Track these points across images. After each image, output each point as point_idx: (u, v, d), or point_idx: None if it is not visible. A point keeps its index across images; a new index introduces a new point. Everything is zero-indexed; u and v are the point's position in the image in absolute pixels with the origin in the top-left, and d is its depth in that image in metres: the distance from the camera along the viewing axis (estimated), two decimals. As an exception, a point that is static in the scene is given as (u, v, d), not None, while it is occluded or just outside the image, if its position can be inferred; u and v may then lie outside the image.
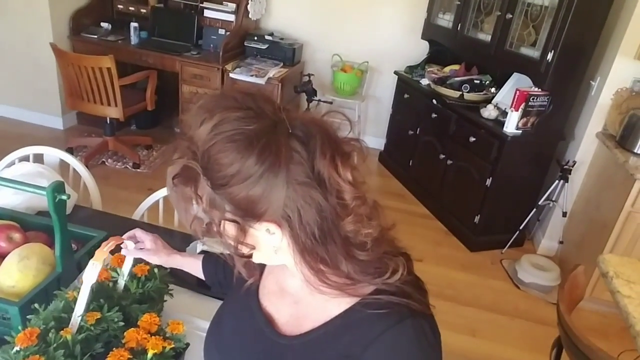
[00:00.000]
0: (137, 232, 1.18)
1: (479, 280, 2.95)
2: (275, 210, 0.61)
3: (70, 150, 3.78)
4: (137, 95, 3.75)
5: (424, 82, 3.64)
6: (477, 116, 3.10)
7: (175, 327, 1.12)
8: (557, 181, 3.01)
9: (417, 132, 3.71)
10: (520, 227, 3.15)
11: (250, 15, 4.07)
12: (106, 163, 3.78)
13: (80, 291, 1.06)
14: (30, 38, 3.87)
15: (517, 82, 3.11)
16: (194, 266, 1.19)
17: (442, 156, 3.41)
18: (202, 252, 1.41)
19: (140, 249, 1.18)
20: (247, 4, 4.00)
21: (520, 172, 3.04)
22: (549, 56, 2.72)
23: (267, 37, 4.12)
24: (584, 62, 2.83)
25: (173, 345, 1.08)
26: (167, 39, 4.13)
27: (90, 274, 1.04)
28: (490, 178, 3.01)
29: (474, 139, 3.10)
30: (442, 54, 3.83)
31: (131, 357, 1.03)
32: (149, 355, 1.03)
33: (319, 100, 3.99)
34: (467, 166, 3.20)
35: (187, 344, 1.14)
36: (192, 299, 1.40)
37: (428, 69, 3.69)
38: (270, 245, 0.65)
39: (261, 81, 3.73)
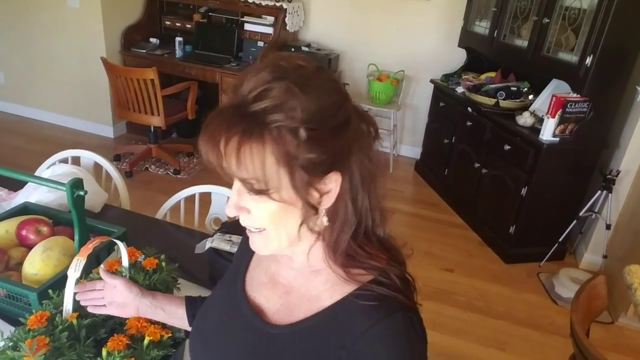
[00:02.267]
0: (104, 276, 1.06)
1: (513, 293, 2.84)
2: (344, 162, 0.63)
3: (117, 157, 4.01)
4: (178, 105, 3.93)
5: (459, 90, 3.59)
6: (513, 124, 3.01)
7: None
8: (600, 191, 2.86)
9: (453, 141, 3.65)
10: (560, 240, 3.00)
11: (288, 28, 4.18)
12: (149, 169, 3.96)
13: (66, 286, 1.12)
14: (84, 53, 4.15)
15: (556, 88, 2.99)
16: (173, 307, 1.05)
17: (476, 165, 3.33)
18: (211, 249, 1.46)
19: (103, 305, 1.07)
20: (285, 16, 4.10)
21: (559, 182, 2.92)
22: (588, 60, 2.61)
23: (304, 48, 4.20)
24: (627, 66, 2.70)
25: (171, 334, 1.12)
26: (210, 52, 4.31)
27: (75, 269, 1.09)
28: (526, 187, 2.90)
29: (508, 147, 3.01)
30: (479, 61, 3.76)
31: (130, 343, 1.08)
32: (146, 341, 1.08)
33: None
34: (501, 175, 3.11)
35: (187, 334, 1.18)
36: (202, 293, 1.44)
37: (464, 77, 3.63)
38: (317, 206, 0.64)
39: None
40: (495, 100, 3.20)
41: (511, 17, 3.26)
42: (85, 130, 4.48)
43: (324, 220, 0.66)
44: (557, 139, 2.78)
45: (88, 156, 2.07)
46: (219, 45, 4.33)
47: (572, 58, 2.76)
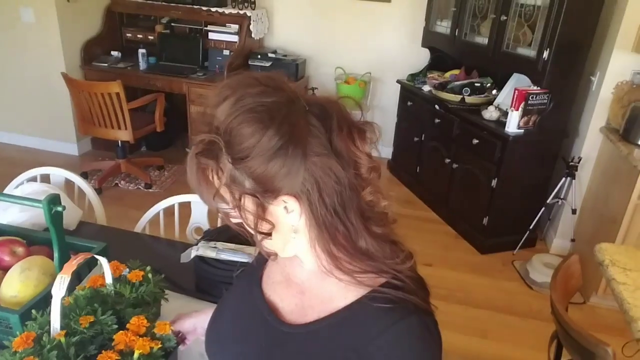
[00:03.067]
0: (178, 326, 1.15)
1: (490, 282, 2.92)
2: (294, 184, 0.62)
3: (84, 175, 3.91)
4: (146, 118, 3.87)
5: (426, 88, 3.67)
6: (479, 118, 3.10)
7: (162, 327, 1.16)
8: (564, 178, 2.98)
9: (422, 139, 3.72)
10: (531, 227, 3.11)
11: (253, 35, 4.18)
12: (119, 185, 3.88)
13: (51, 305, 1.09)
14: (44, 69, 4.04)
15: (517, 82, 3.11)
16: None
17: (447, 160, 3.41)
18: (196, 257, 1.45)
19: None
20: (249, 24, 4.11)
21: (526, 172, 3.02)
22: (545, 54, 2.72)
23: (270, 55, 4.21)
24: (581, 58, 2.83)
25: (160, 345, 1.11)
26: (175, 63, 4.26)
27: (59, 287, 1.07)
28: (496, 179, 2.99)
29: (477, 141, 3.10)
30: (443, 60, 3.86)
31: (119, 358, 1.06)
32: (135, 355, 1.06)
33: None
34: (472, 169, 3.20)
35: (178, 343, 1.17)
36: (190, 303, 1.43)
37: (429, 76, 3.72)
38: (289, 224, 0.65)
39: (265, 97, 3.81)
40: (461, 96, 3.29)
41: (470, 16, 3.37)
42: (48, 149, 4.35)
43: (306, 233, 0.66)
44: (522, 130, 2.89)
45: (58, 173, 2.01)
46: (183, 55, 4.29)
47: (530, 53, 2.87)
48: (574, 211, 3.00)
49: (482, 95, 3.31)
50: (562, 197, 3.05)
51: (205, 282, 1.47)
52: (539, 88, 2.83)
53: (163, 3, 4.22)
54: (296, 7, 4.32)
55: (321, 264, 0.69)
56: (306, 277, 0.75)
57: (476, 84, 3.35)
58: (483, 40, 3.23)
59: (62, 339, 1.06)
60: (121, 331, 1.10)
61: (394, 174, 4.24)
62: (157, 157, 4.25)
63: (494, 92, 3.32)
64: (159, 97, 3.85)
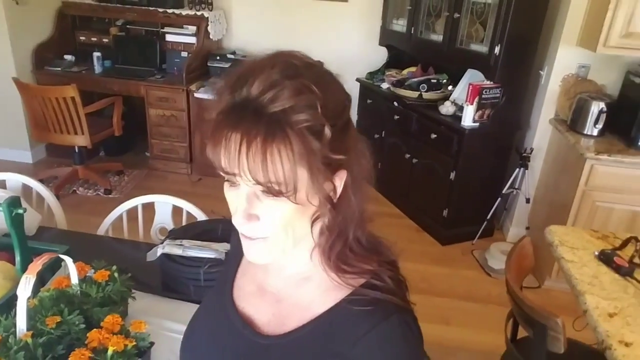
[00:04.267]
0: None
1: (452, 271, 3.02)
2: (351, 158, 0.62)
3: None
4: (103, 122, 3.78)
5: (384, 86, 3.75)
6: (436, 113, 3.21)
7: (138, 325, 1.16)
8: (517, 169, 3.12)
9: (383, 135, 3.81)
10: (488, 217, 3.24)
11: (211, 36, 4.16)
12: (77, 192, 3.78)
13: (17, 306, 1.07)
14: (-8, 75, 3.88)
15: (472, 77, 3.23)
16: None
17: (407, 156, 3.50)
18: (163, 255, 1.45)
19: None
20: (207, 25, 4.08)
21: (482, 163, 3.15)
22: (497, 50, 2.85)
23: (229, 56, 4.20)
24: (530, 53, 2.97)
25: (135, 343, 1.11)
26: (131, 66, 4.18)
27: (25, 288, 1.05)
28: (454, 172, 3.10)
29: (435, 136, 3.20)
30: (400, 57, 3.96)
31: (92, 355, 1.06)
32: (109, 352, 1.06)
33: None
34: (431, 163, 3.30)
35: (152, 343, 1.17)
36: (157, 302, 1.42)
37: (387, 73, 3.80)
38: (320, 206, 0.62)
39: (226, 98, 3.80)
40: (419, 93, 3.39)
41: (425, 14, 3.47)
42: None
43: (325, 220, 0.65)
44: (477, 124, 3.01)
45: (14, 178, 1.96)
46: (140, 58, 4.22)
47: (482, 49, 3.00)
48: (527, 200, 3.15)
49: (439, 91, 3.42)
50: (516, 187, 3.19)
51: (172, 279, 1.47)
52: (491, 83, 2.96)
53: (117, 5, 4.13)
54: (254, 8, 4.32)
55: (307, 265, 0.69)
56: (282, 285, 0.73)
57: (433, 80, 3.46)
58: (438, 37, 3.34)
59: (29, 340, 1.05)
60: (95, 329, 1.09)
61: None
62: (116, 162, 4.16)
63: (450, 87, 3.44)
64: (117, 100, 3.77)
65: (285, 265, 0.71)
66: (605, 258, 1.51)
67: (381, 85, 3.80)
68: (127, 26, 4.35)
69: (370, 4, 4.07)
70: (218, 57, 4.17)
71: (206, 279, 1.42)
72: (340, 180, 0.62)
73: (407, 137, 3.49)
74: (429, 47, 3.49)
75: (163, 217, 1.84)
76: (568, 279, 1.47)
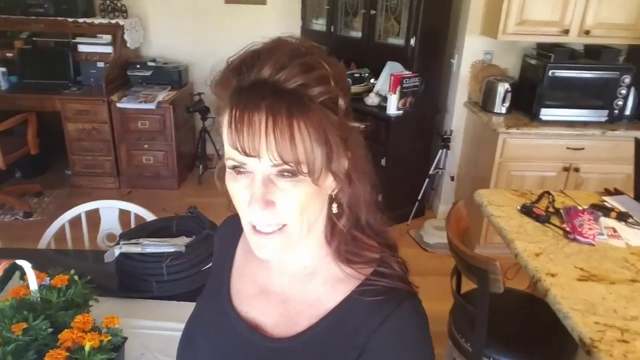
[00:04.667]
0: None
1: (392, 252, 3.19)
2: (354, 137, 0.62)
3: (-51, 211, 3.47)
4: (16, 141, 3.56)
5: (310, 83, 3.87)
6: (363, 105, 3.38)
7: (110, 321, 1.16)
8: (440, 150, 3.36)
9: (313, 131, 3.92)
10: (419, 198, 3.46)
11: (128, 45, 4.04)
12: (-6, 218, 3.52)
13: None
14: None
15: (392, 68, 3.43)
16: None
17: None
18: (121, 255, 1.44)
19: None
20: (123, 33, 3.97)
21: (409, 148, 3.36)
22: (412, 42, 3.07)
23: (149, 64, 4.11)
24: (441, 43, 3.24)
25: (110, 338, 1.11)
26: (41, 80, 3.95)
27: None
28: (384, 158, 3.28)
29: (363, 126, 3.36)
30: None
31: (69, 354, 1.04)
32: (87, 348, 1.05)
33: (213, 117, 4.07)
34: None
35: (125, 337, 1.17)
36: (117, 303, 1.41)
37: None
38: (330, 191, 0.63)
39: (151, 106, 3.72)
40: (343, 87, 3.54)
41: (343, 13, 3.64)
42: None
43: (333, 207, 0.65)
44: (401, 111, 3.21)
45: None
46: (50, 71, 4.00)
47: (399, 42, 3.21)
48: (452, 178, 3.41)
49: (363, 85, 3.59)
50: (441, 167, 3.44)
51: (132, 279, 1.46)
52: (410, 72, 3.17)
53: (21, 17, 3.89)
54: (170, 14, 4.27)
55: (313, 258, 0.68)
56: (287, 283, 0.70)
57: (356, 75, 3.63)
58: (357, 34, 3.51)
59: (-3, 348, 1.02)
60: (66, 330, 1.08)
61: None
62: (34, 183, 3.91)
63: (372, 80, 3.63)
64: (29, 117, 3.56)
65: (290, 261, 0.69)
66: (526, 210, 1.73)
67: (306, 83, 3.91)
68: (34, 38, 4.10)
69: (289, 5, 4.17)
70: (138, 66, 4.07)
71: (169, 273, 1.43)
72: (348, 160, 0.62)
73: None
74: (349, 43, 3.65)
75: (110, 223, 1.80)
76: (499, 231, 1.66)
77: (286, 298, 0.70)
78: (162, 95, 3.87)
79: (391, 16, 3.26)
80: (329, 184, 0.62)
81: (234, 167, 0.59)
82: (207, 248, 1.51)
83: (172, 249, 1.46)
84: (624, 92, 2.76)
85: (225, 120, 0.57)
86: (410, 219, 3.51)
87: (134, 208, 1.81)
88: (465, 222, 1.75)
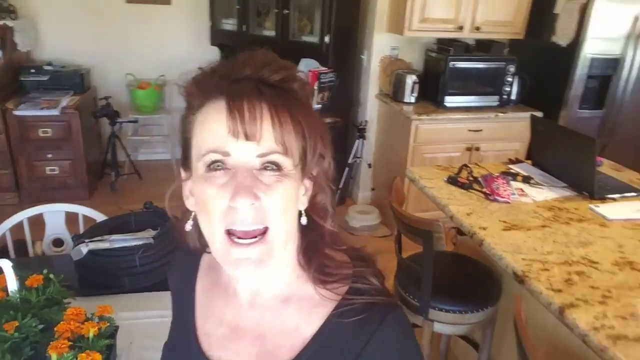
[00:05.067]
0: None
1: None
2: (321, 152, 0.62)
3: None
4: None
5: (225, 83, 3.90)
6: (282, 101, 3.50)
7: (104, 309, 1.16)
8: (357, 140, 3.61)
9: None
10: (340, 187, 3.67)
11: (19, 48, 3.74)
12: None
13: None
14: None
15: (307, 65, 3.60)
16: None
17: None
18: (88, 253, 1.42)
19: None
20: (13, 36, 3.66)
21: (335, 141, 3.55)
22: (327, 39, 3.27)
23: (46, 68, 3.83)
24: (353, 40, 3.48)
25: (108, 324, 1.12)
26: None
27: None
28: (307, 151, 3.44)
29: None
30: (234, 55, 4.14)
31: (72, 343, 1.04)
32: (90, 335, 1.06)
33: (122, 122, 3.93)
34: (284, 147, 3.59)
35: (117, 326, 1.18)
36: (89, 300, 1.38)
37: (226, 70, 3.96)
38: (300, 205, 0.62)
39: (55, 112, 3.49)
40: (261, 85, 3.64)
41: (255, 12, 3.73)
42: None
43: (302, 219, 0.63)
44: (320, 105, 3.39)
45: None
46: None
47: (314, 39, 3.39)
48: (369, 165, 3.67)
49: (279, 82, 3.72)
50: (358, 156, 3.68)
51: (102, 275, 1.44)
52: (326, 68, 3.37)
53: None
54: (65, 14, 4.01)
55: (285, 283, 0.64)
56: (259, 316, 0.65)
57: (271, 73, 3.75)
58: (270, 32, 3.63)
59: (-4, 347, 0.99)
60: (61, 322, 1.07)
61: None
62: None
63: (287, 78, 3.77)
64: None
65: (263, 287, 0.65)
66: (452, 181, 1.99)
67: (221, 83, 3.93)
68: None
69: (195, 6, 4.15)
70: (33, 70, 3.78)
71: (142, 264, 1.44)
72: (324, 159, 0.63)
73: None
74: (263, 42, 3.72)
75: (56, 228, 1.73)
76: (432, 199, 1.91)
77: (261, 332, 0.65)
78: (66, 100, 3.64)
79: (304, 15, 3.43)
80: (302, 191, 0.61)
81: (213, 163, 0.56)
82: (174, 238, 1.54)
83: (141, 242, 1.47)
84: (509, 79, 3.22)
85: (207, 117, 0.57)
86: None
87: (82, 210, 1.75)
88: (402, 195, 1.96)
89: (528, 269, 1.43)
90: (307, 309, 0.63)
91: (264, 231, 0.57)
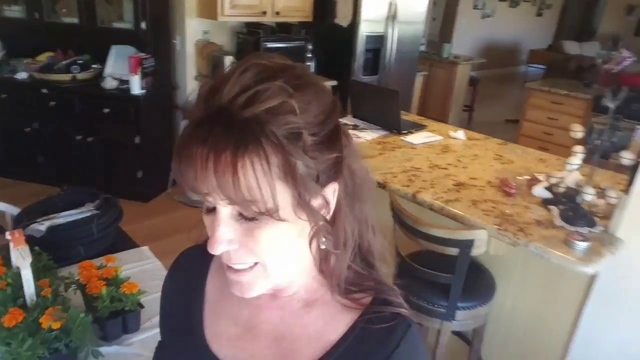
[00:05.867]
0: None
1: (168, 217, 3.54)
2: (338, 165, 0.55)
3: None
4: None
5: (21, 75, 3.58)
6: (101, 90, 3.47)
7: (109, 259, 1.33)
8: (182, 122, 3.84)
9: (39, 127, 3.67)
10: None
11: None
12: None
13: (24, 277, 1.13)
14: None
15: (118, 52, 3.62)
16: None
17: (78, 137, 3.60)
18: (48, 228, 1.48)
19: None
20: None
21: (157, 122, 3.69)
22: (143, 25, 3.38)
23: None
24: (166, 26, 3.66)
25: (120, 268, 1.31)
26: None
27: (23, 257, 1.15)
28: (138, 136, 3.52)
29: (108, 110, 3.48)
30: (21, 45, 3.77)
31: (106, 284, 1.22)
32: (118, 273, 1.25)
33: None
34: (110, 135, 3.57)
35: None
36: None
37: (26, 61, 3.62)
38: (315, 223, 0.56)
39: None
40: (72, 75, 3.50)
41: (49, -1, 3.52)
42: None
43: (322, 240, 0.58)
44: (144, 90, 3.49)
45: None
46: None
47: (128, 25, 3.44)
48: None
49: (90, 70, 3.63)
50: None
51: (58, 249, 1.51)
52: (145, 54, 3.48)
53: None
54: None
55: (308, 291, 0.63)
56: (279, 319, 0.63)
57: (79, 62, 3.61)
58: (73, 20, 3.50)
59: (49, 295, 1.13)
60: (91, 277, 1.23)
61: (4, 175, 3.89)
62: None
63: (95, 65, 3.69)
64: None
65: (281, 292, 0.62)
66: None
67: (15, 76, 3.59)
68: None
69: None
70: None
71: (98, 231, 1.58)
72: (332, 193, 0.56)
73: (74, 120, 3.57)
74: (64, 30, 3.58)
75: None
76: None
77: (280, 335, 0.63)
78: None
79: (111, 1, 3.44)
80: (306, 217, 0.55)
81: (205, 203, 0.53)
82: (114, 208, 1.70)
83: (89, 214, 1.59)
84: (309, 55, 3.93)
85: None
86: (170, 187, 3.89)
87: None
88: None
89: (384, 178, 2.09)
90: (332, 315, 0.62)
91: (254, 264, 0.55)
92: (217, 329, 0.66)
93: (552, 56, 8.90)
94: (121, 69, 3.56)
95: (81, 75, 3.56)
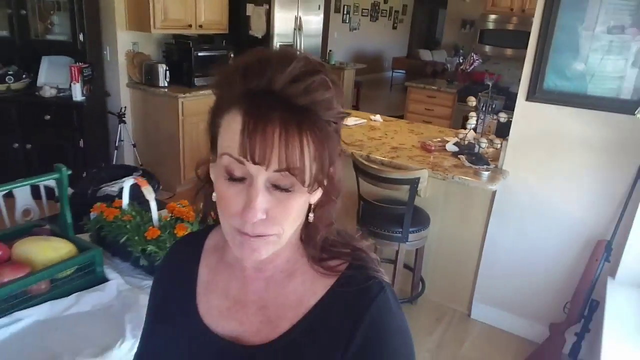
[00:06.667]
0: None
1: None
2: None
3: None
4: None
5: (-56, 88, 3.52)
6: (40, 98, 3.59)
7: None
8: (119, 125, 4.06)
9: (-33, 138, 3.62)
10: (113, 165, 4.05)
11: None
12: None
13: (152, 207, 1.57)
14: None
15: (50, 62, 3.75)
16: None
17: (16, 145, 3.65)
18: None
19: None
20: None
21: (97, 127, 3.89)
22: (81, 37, 3.60)
23: None
24: (99, 38, 3.88)
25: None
26: None
27: (150, 193, 1.59)
28: (81, 140, 3.70)
29: (49, 117, 3.60)
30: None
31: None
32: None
33: None
34: (51, 141, 3.69)
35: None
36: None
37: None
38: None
39: None
40: (7, 85, 3.56)
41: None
42: None
43: (310, 216, 0.65)
44: (85, 97, 3.70)
45: None
46: None
47: (64, 37, 3.63)
48: (134, 145, 4.19)
49: (23, 80, 3.70)
50: (122, 139, 4.13)
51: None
52: (83, 63, 3.68)
53: None
54: None
55: (289, 260, 0.69)
56: (264, 289, 0.69)
57: (10, 73, 3.67)
58: (2, 32, 3.56)
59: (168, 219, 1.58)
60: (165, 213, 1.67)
61: None
62: None
63: (24, 76, 3.76)
64: None
65: (266, 265, 0.68)
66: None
67: (-64, 89, 3.52)
68: None
69: None
70: None
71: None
72: (334, 171, 0.63)
73: (12, 128, 3.62)
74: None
75: (25, 200, 1.90)
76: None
77: (265, 304, 0.68)
78: None
79: (49, 15, 3.60)
80: (319, 192, 0.63)
81: (230, 165, 0.57)
82: (154, 179, 2.11)
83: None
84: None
85: (230, 124, 0.56)
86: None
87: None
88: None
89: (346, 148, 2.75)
90: (311, 282, 0.67)
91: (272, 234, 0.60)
92: (209, 305, 0.72)
93: (411, 62, 10.46)
94: (56, 78, 3.72)
95: (15, 85, 3.63)
